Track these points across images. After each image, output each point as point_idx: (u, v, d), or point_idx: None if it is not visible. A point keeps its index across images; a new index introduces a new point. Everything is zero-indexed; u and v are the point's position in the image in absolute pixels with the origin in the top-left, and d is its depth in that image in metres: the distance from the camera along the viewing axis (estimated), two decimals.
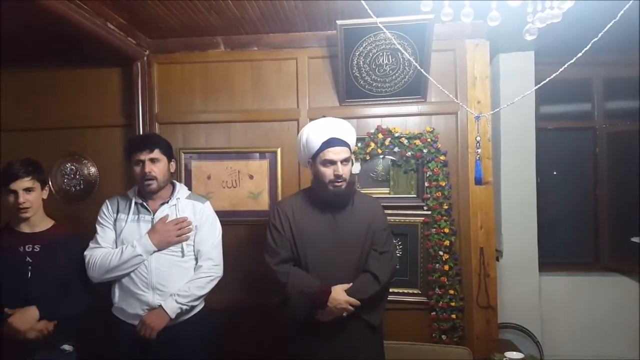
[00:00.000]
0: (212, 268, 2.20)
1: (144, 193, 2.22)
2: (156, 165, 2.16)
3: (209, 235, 2.25)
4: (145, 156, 2.15)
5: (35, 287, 2.04)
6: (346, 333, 2.03)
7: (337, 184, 2.04)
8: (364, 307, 2.00)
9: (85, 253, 2.13)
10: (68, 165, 3.08)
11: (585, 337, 3.49)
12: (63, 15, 2.15)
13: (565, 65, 1.62)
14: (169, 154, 2.26)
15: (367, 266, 2.07)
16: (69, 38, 2.67)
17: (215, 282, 2.22)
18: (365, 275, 2.05)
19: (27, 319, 1.96)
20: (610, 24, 1.46)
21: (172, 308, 2.07)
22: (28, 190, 2.05)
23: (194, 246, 2.22)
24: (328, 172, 2.04)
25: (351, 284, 2.02)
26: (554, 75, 1.69)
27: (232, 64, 2.98)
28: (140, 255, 2.08)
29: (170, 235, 2.13)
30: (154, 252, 2.11)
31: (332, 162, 2.03)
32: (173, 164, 2.30)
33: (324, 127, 2.09)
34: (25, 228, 2.12)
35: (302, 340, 2.07)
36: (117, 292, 2.16)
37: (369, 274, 2.04)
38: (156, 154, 2.17)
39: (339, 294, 1.97)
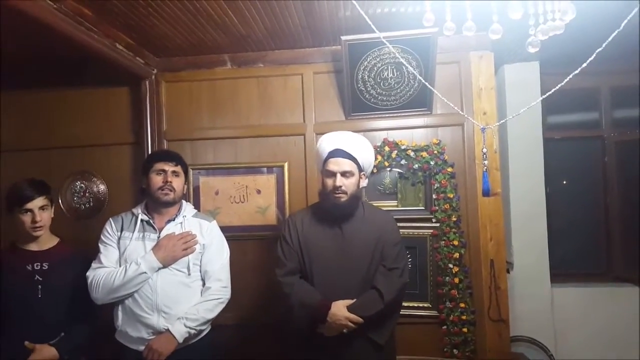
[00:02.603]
0: (221, 290, 2.15)
1: (156, 205, 2.18)
2: (175, 179, 2.18)
3: (217, 255, 2.20)
4: (169, 167, 2.16)
5: (47, 307, 2.04)
6: (352, 350, 2.01)
7: (336, 195, 2.05)
8: (368, 324, 1.97)
9: (88, 274, 2.05)
10: (78, 183, 3.11)
11: (599, 348, 3.42)
12: (73, 37, 2.20)
13: (570, 76, 1.62)
14: (186, 175, 2.30)
15: (374, 282, 2.05)
16: (78, 58, 2.73)
17: (223, 305, 2.16)
18: (370, 292, 2.02)
19: None
20: (614, 33, 1.46)
21: (180, 332, 2.00)
22: (42, 208, 2.07)
23: (200, 266, 2.17)
24: (329, 182, 2.07)
25: (354, 300, 1.99)
26: (559, 85, 1.69)
27: (239, 81, 3.01)
28: (145, 272, 2.00)
29: (175, 250, 2.07)
30: (159, 268, 2.05)
31: (333, 173, 2.06)
32: (186, 185, 2.32)
33: (333, 138, 2.14)
34: (32, 246, 2.11)
35: (308, 356, 2.06)
36: (120, 315, 2.08)
37: (374, 290, 2.01)
38: (178, 168, 2.20)
39: (339, 309, 1.95)
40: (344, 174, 2.05)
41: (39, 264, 2.08)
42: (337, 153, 2.08)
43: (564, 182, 3.71)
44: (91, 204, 3.10)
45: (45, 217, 2.08)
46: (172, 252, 2.07)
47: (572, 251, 3.65)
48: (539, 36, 1.39)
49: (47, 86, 3.14)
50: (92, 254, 2.19)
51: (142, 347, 2.02)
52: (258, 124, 3.00)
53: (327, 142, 2.14)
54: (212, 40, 2.73)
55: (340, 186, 2.03)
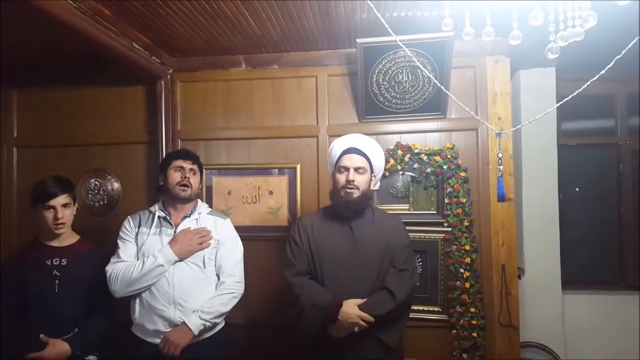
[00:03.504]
0: (235, 285, 2.22)
1: (173, 202, 2.26)
2: (192, 177, 2.26)
3: (231, 251, 2.27)
4: (187, 165, 2.26)
5: (63, 302, 2.08)
6: (361, 351, 2.01)
7: (348, 190, 2.07)
8: (379, 324, 1.98)
9: (107, 268, 2.11)
10: (92, 180, 3.15)
11: (610, 356, 3.38)
12: (91, 36, 2.23)
13: (588, 83, 1.61)
14: (202, 174, 2.39)
15: (384, 283, 2.05)
16: (95, 57, 2.76)
17: (237, 299, 2.23)
18: (381, 292, 2.03)
19: (59, 357, 2.00)
20: (634, 41, 1.45)
21: (195, 324, 2.07)
22: (65, 206, 2.12)
23: (215, 261, 2.24)
24: (341, 177, 2.11)
25: (365, 299, 2.00)
26: (576, 92, 1.67)
27: (253, 82, 3.03)
28: (162, 265, 2.08)
29: (191, 244, 2.15)
30: (176, 261, 2.12)
31: (346, 168, 2.10)
32: (200, 185, 2.40)
33: (346, 138, 2.21)
34: (53, 242, 2.16)
35: (317, 358, 2.07)
36: (137, 307, 2.15)
37: (385, 290, 2.02)
38: (195, 167, 2.30)
39: (350, 307, 1.96)
40: (357, 169, 2.10)
41: (58, 259, 2.12)
42: (350, 151, 2.14)
43: (578, 189, 3.68)
44: (105, 202, 3.13)
45: (67, 215, 2.13)
46: (188, 246, 2.14)
47: (585, 258, 3.61)
48: (559, 42, 1.38)
49: (63, 84, 3.18)
50: (109, 251, 2.24)
51: (157, 340, 2.08)
52: (272, 125, 3.01)
53: (340, 144, 2.20)
54: (227, 41, 2.75)
55: (353, 180, 2.07)
